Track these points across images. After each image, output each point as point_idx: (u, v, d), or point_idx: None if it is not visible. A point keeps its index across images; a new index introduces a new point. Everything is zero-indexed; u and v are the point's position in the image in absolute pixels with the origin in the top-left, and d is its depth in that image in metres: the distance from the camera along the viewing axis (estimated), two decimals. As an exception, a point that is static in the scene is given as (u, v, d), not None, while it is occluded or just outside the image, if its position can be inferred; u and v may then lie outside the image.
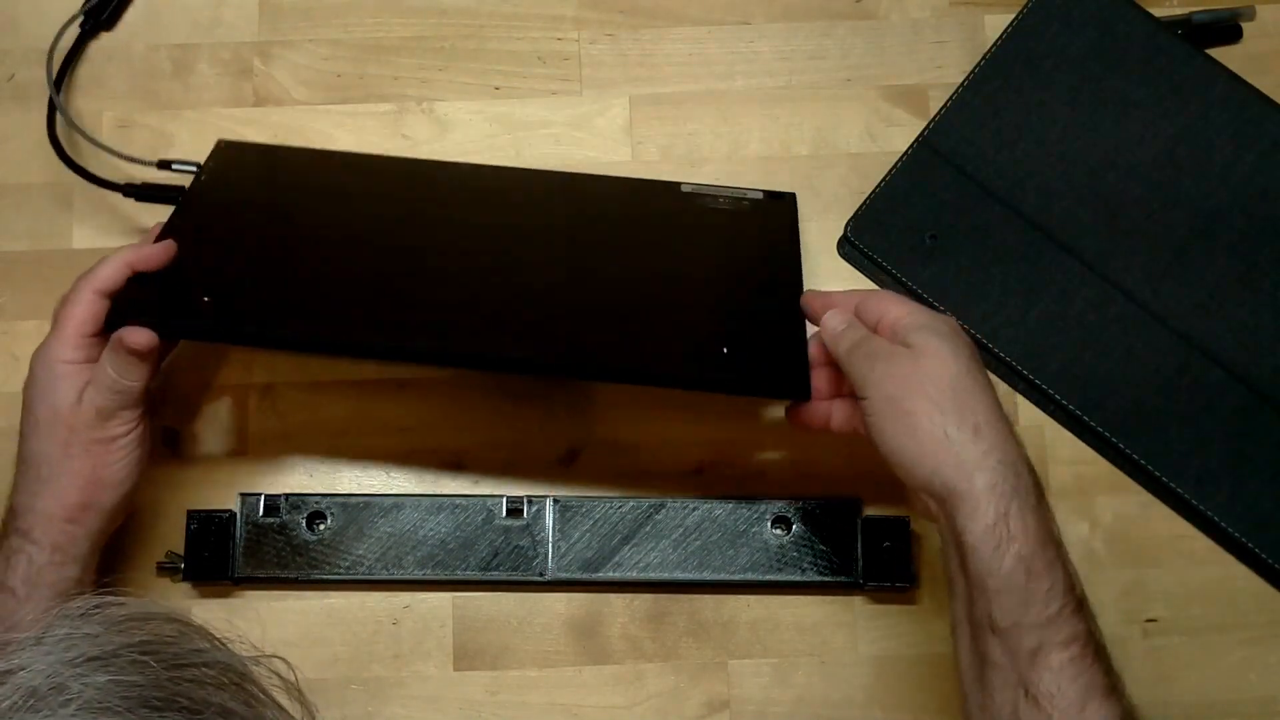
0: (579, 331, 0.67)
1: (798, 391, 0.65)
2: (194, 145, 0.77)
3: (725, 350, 0.65)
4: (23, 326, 0.75)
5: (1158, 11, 0.77)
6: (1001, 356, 0.74)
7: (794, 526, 0.70)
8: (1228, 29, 0.78)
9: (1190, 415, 0.72)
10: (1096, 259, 0.74)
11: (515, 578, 0.70)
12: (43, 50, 0.77)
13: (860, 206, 0.76)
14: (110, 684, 0.34)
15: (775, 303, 0.69)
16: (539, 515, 0.71)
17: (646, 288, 0.70)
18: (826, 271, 0.76)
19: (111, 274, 0.63)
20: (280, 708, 0.38)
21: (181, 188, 0.72)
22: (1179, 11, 0.78)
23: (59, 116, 0.75)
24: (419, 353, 0.66)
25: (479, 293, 0.68)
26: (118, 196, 0.74)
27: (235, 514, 0.70)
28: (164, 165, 0.74)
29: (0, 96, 0.78)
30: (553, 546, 0.70)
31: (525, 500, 0.71)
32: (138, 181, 0.73)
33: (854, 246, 0.76)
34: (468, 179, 0.76)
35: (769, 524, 0.70)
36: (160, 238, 0.67)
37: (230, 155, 0.75)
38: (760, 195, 0.75)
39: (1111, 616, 0.71)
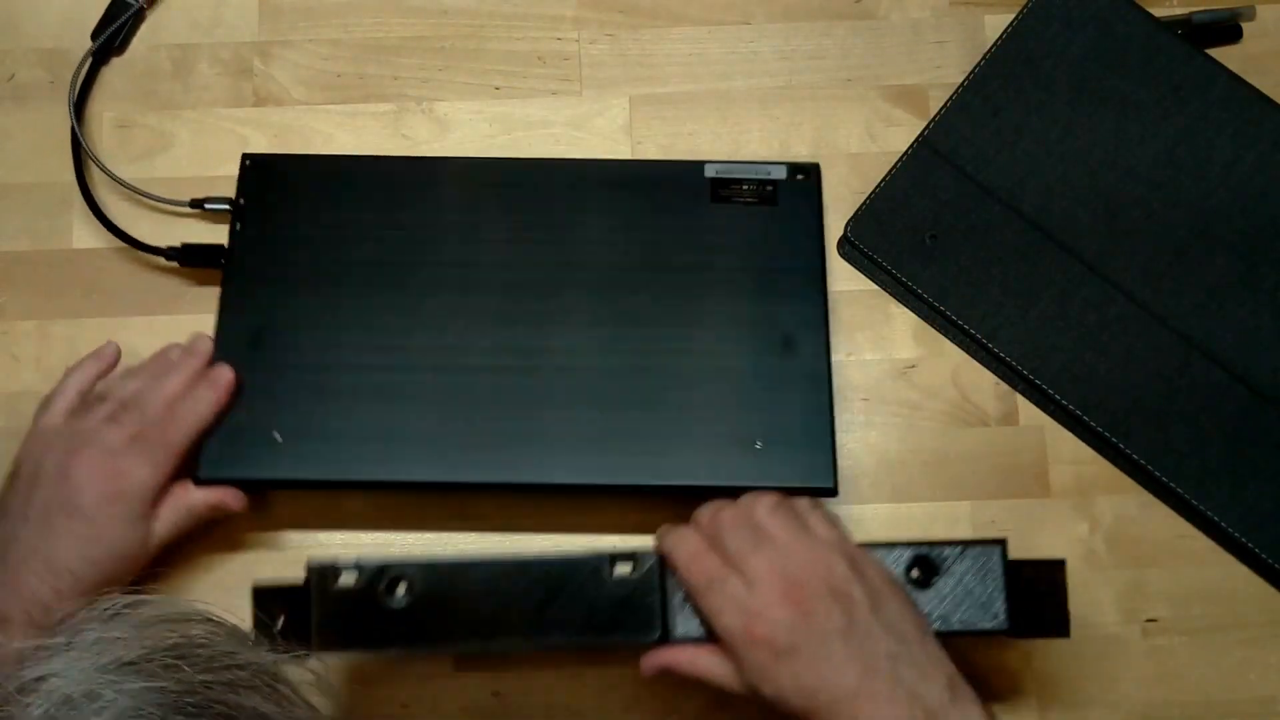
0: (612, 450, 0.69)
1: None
2: (194, 145, 0.77)
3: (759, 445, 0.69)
4: (23, 326, 0.75)
5: (1158, 11, 0.77)
6: (1001, 356, 0.74)
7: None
8: (1228, 29, 0.78)
9: (1190, 415, 0.72)
10: (1096, 259, 0.74)
11: (631, 640, 0.63)
12: (42, 50, 0.78)
13: (860, 206, 0.76)
14: (143, 690, 0.34)
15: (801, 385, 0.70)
16: (651, 572, 0.63)
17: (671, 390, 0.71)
18: (827, 271, 0.76)
19: (211, 417, 0.67)
20: (312, 707, 0.38)
21: (221, 247, 0.73)
22: (1179, 11, 0.78)
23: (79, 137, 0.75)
24: (466, 487, 0.70)
25: (522, 423, 0.70)
26: (122, 205, 0.75)
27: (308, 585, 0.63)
28: (196, 205, 0.75)
29: (0, 96, 0.78)
30: (672, 599, 0.63)
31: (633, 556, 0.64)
32: (179, 244, 0.74)
33: (854, 246, 0.76)
34: (470, 178, 0.75)
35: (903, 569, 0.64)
36: (218, 346, 0.70)
37: (261, 178, 0.74)
38: (784, 173, 0.74)
39: (1111, 616, 0.71)
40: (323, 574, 0.62)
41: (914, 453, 0.73)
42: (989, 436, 0.74)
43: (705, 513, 0.64)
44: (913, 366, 0.75)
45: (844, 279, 0.76)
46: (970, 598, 0.62)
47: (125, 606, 0.37)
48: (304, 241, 0.73)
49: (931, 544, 0.63)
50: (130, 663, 0.34)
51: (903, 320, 0.75)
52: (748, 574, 0.60)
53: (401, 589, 0.62)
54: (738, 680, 0.60)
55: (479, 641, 0.63)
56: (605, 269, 0.73)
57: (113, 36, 0.78)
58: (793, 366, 0.71)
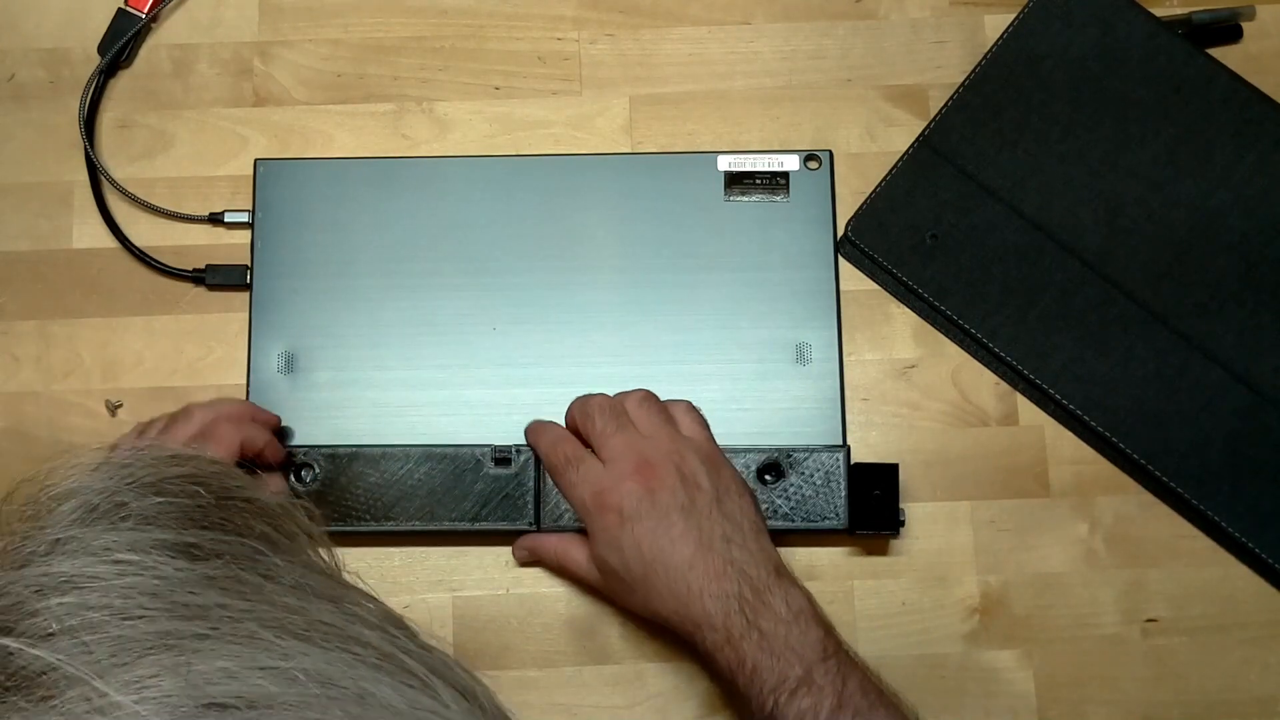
0: None
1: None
2: (194, 145, 0.77)
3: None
4: (23, 326, 0.75)
5: (1158, 11, 0.77)
6: (1002, 356, 0.74)
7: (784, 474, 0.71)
8: (1228, 29, 0.78)
9: (1190, 415, 0.72)
10: (1096, 259, 0.74)
11: (505, 527, 0.70)
12: (42, 50, 0.78)
13: (860, 206, 0.76)
14: (164, 504, 0.36)
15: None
16: (527, 465, 0.71)
17: None
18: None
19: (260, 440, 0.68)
20: (314, 547, 0.40)
21: (245, 267, 0.74)
22: (1179, 11, 0.78)
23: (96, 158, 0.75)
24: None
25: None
26: (123, 207, 0.75)
27: None
28: (216, 219, 0.75)
29: (0, 96, 0.78)
30: (544, 497, 0.70)
31: (514, 450, 0.71)
32: (202, 266, 0.75)
33: (854, 246, 0.76)
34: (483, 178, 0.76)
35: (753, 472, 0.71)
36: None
37: (277, 185, 0.75)
38: (797, 163, 0.76)
39: (1111, 616, 0.71)
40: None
41: (914, 453, 0.73)
42: (989, 436, 0.74)
43: (577, 401, 0.70)
44: (913, 366, 0.75)
45: (844, 279, 0.76)
46: (817, 498, 0.70)
47: (144, 449, 0.39)
48: (329, 251, 0.75)
49: (782, 449, 0.71)
50: (152, 483, 0.36)
51: (903, 320, 0.75)
52: (605, 454, 0.67)
53: (307, 474, 0.70)
54: (591, 565, 0.67)
55: (375, 523, 0.70)
56: (629, 266, 0.75)
57: (120, 51, 0.78)
58: (805, 369, 0.73)
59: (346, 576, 0.40)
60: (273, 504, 0.39)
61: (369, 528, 0.70)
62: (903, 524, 0.69)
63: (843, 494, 0.70)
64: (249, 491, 0.39)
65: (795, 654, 0.60)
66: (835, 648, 0.61)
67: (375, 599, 0.38)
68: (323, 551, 0.40)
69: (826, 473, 0.70)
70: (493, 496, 0.70)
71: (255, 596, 0.33)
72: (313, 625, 0.33)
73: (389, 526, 0.70)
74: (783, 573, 0.64)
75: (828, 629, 0.62)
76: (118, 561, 0.33)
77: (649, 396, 0.69)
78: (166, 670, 0.29)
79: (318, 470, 0.71)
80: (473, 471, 0.71)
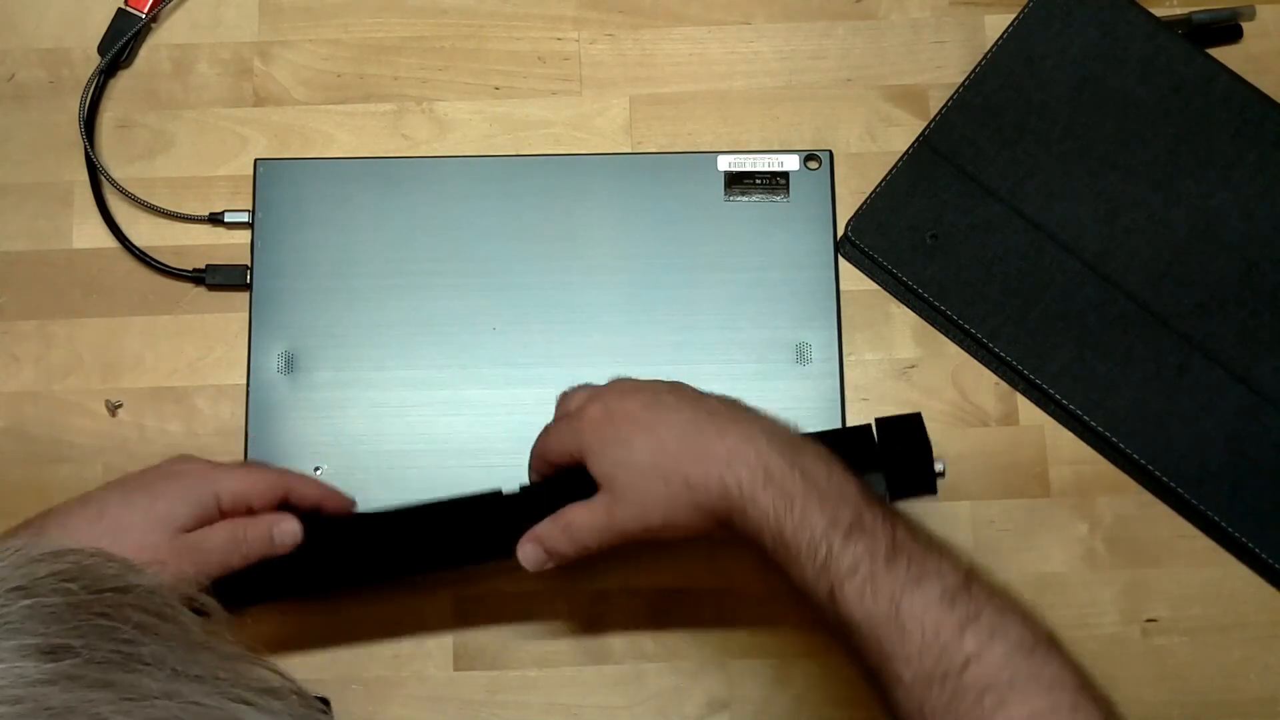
0: None
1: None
2: (194, 145, 0.77)
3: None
4: (23, 326, 0.75)
5: (1158, 11, 0.77)
6: (1002, 356, 0.74)
7: None
8: (1228, 29, 0.78)
9: (1190, 415, 0.72)
10: (1096, 259, 0.74)
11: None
12: (42, 50, 0.78)
13: (860, 206, 0.76)
14: (32, 606, 0.35)
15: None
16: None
17: None
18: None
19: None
20: (202, 622, 0.40)
21: (245, 267, 0.74)
22: (1179, 11, 0.78)
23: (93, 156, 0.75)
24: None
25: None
26: (124, 206, 0.75)
27: None
28: (216, 219, 0.75)
29: (0, 96, 0.78)
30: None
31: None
32: (202, 266, 0.75)
33: (855, 246, 0.76)
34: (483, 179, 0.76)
35: None
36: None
37: (277, 185, 0.75)
38: (797, 163, 0.76)
39: (1111, 616, 0.71)
40: None
41: (914, 453, 0.73)
42: (989, 436, 0.74)
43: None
44: (913, 366, 0.75)
45: (844, 279, 0.76)
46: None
47: (15, 549, 0.38)
48: (329, 251, 0.75)
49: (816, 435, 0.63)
50: (20, 587, 0.36)
51: (903, 320, 0.75)
52: (580, 412, 0.61)
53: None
54: (598, 508, 0.60)
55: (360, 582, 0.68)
56: (629, 266, 0.75)
57: (120, 51, 0.78)
58: (805, 369, 0.73)
59: (240, 650, 0.39)
60: (151, 587, 0.38)
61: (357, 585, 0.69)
62: (942, 476, 0.64)
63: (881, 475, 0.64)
64: (124, 579, 0.38)
65: (840, 496, 0.55)
66: (873, 494, 0.56)
67: (268, 665, 0.38)
68: (216, 626, 0.40)
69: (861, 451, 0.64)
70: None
71: (125, 690, 0.33)
72: (189, 714, 0.33)
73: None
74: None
75: (858, 478, 0.57)
76: None
77: (642, 384, 0.64)
78: None
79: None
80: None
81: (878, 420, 0.64)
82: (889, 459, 0.63)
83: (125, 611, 0.36)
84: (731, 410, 0.60)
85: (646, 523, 0.59)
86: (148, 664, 0.35)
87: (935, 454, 0.63)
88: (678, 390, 0.62)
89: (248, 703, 0.35)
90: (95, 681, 0.33)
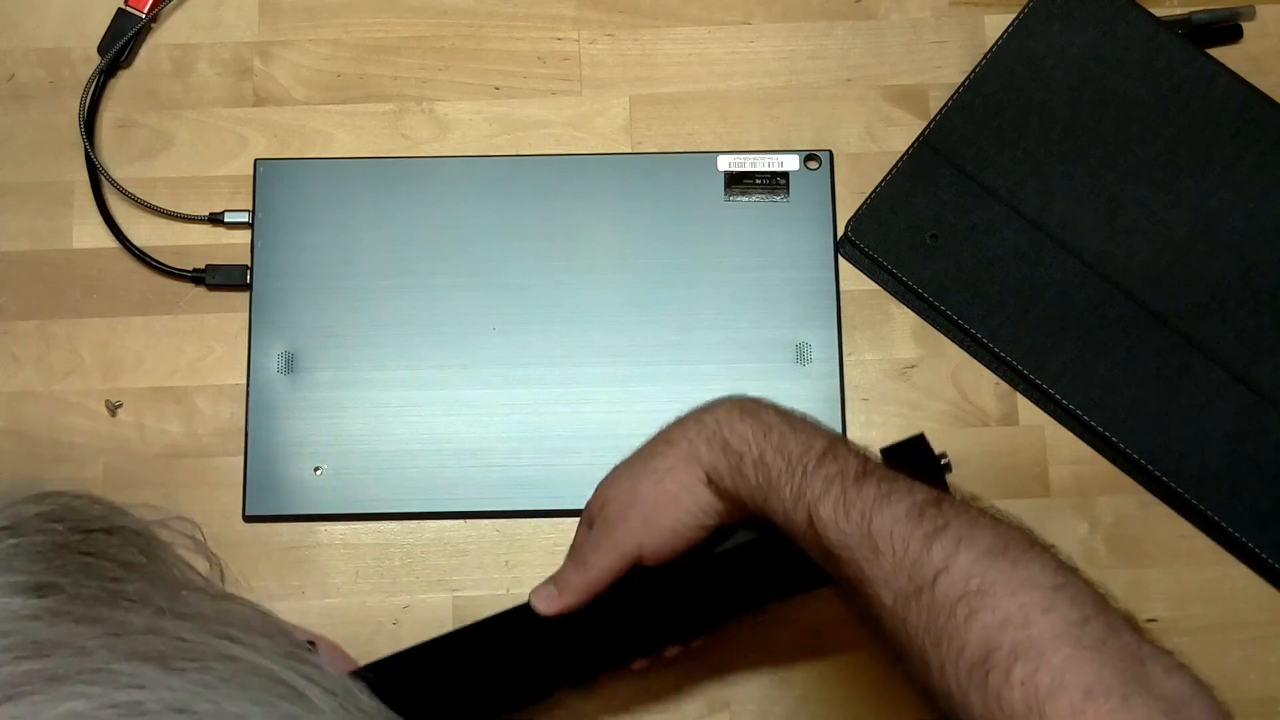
0: None
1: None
2: (194, 145, 0.77)
3: None
4: (23, 326, 0.75)
5: (1158, 11, 0.77)
6: (1001, 356, 0.74)
7: None
8: (1228, 29, 0.78)
9: (1190, 415, 0.72)
10: (1096, 258, 0.74)
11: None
12: (42, 50, 0.78)
13: (860, 206, 0.76)
14: (18, 544, 0.35)
15: None
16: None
17: None
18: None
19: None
20: (188, 565, 0.40)
21: (245, 267, 0.74)
22: (1179, 11, 0.78)
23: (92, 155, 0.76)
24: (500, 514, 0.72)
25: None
26: (124, 206, 0.75)
27: None
28: (216, 219, 0.75)
29: (0, 96, 0.78)
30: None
31: None
32: (202, 266, 0.75)
33: (855, 246, 0.76)
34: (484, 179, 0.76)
35: None
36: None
37: (277, 185, 0.75)
38: (797, 163, 0.76)
39: (1111, 616, 0.71)
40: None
41: (914, 453, 0.73)
42: (989, 436, 0.74)
43: None
44: (913, 366, 0.75)
45: (844, 279, 0.76)
46: None
47: (8, 487, 0.38)
48: (329, 251, 0.75)
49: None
50: (6, 527, 0.36)
51: (903, 320, 0.75)
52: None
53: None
54: (606, 548, 0.60)
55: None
56: (629, 266, 0.75)
57: (120, 51, 0.78)
58: (805, 369, 0.74)
59: (229, 588, 0.39)
60: (138, 529, 0.39)
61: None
62: (949, 469, 0.62)
63: None
64: (111, 520, 0.38)
65: (814, 431, 0.56)
66: (843, 439, 0.57)
67: (255, 607, 0.38)
68: (202, 562, 0.40)
69: None
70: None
71: (111, 626, 0.33)
72: (174, 649, 0.33)
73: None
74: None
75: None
76: None
77: None
78: None
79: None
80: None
81: (883, 450, 0.62)
82: None
83: (111, 551, 0.37)
84: (681, 421, 0.60)
85: (630, 529, 0.60)
86: (133, 601, 0.35)
87: (938, 449, 0.63)
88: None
89: (232, 639, 0.35)
90: (81, 617, 0.33)
